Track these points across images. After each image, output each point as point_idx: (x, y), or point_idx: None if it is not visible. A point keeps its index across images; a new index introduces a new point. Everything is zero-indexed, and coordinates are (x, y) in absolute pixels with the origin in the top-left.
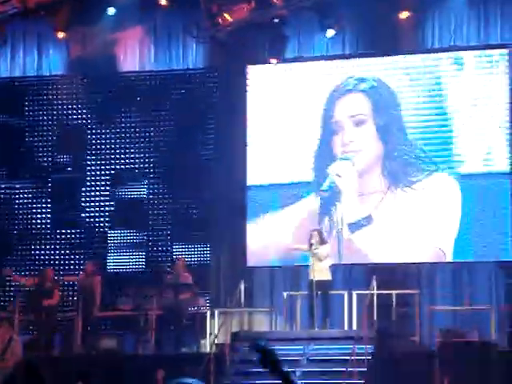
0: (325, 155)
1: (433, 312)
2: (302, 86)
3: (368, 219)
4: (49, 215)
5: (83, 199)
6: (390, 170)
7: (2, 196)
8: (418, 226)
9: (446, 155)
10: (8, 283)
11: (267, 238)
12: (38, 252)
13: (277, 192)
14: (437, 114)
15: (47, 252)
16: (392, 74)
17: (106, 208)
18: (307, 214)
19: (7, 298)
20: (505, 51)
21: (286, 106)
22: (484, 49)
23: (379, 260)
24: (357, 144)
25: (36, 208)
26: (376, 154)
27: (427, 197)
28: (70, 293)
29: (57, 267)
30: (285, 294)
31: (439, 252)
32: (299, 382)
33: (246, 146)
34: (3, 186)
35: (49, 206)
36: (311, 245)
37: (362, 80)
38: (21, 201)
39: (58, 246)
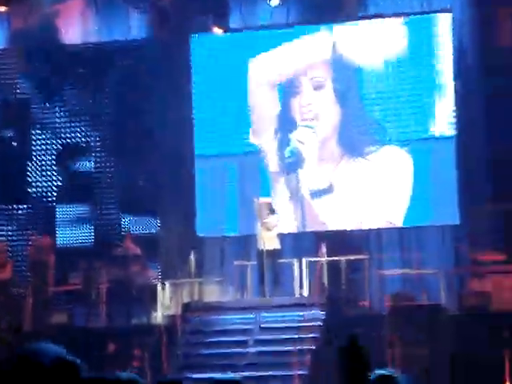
0: (284, 121)
1: (382, 277)
2: (250, 54)
3: (329, 188)
4: None
5: (30, 174)
6: (346, 138)
7: None
8: (370, 197)
9: (396, 121)
10: None
11: (218, 207)
12: None
13: (231, 160)
14: (385, 80)
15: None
16: (344, 41)
17: (54, 183)
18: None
19: None
20: (447, 15)
21: (233, 75)
22: (427, 13)
23: (334, 225)
24: (315, 108)
25: None
26: (334, 120)
27: (380, 168)
28: (24, 268)
29: (5, 243)
30: (235, 263)
31: (389, 224)
32: (252, 350)
33: (192, 116)
34: None
35: None
36: (260, 214)
37: (320, 45)
38: None
39: (5, 222)
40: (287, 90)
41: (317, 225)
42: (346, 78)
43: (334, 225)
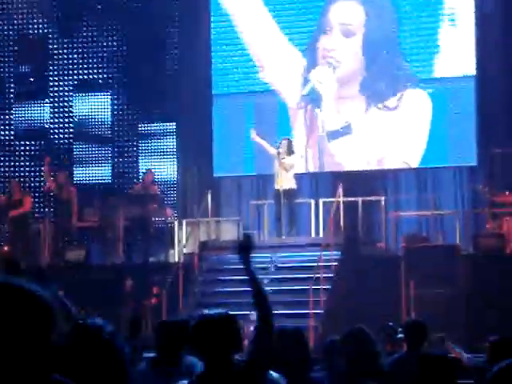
0: (308, 59)
1: (398, 218)
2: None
3: (347, 128)
4: (12, 127)
5: (46, 111)
6: (370, 86)
7: None
8: (388, 138)
9: (416, 61)
10: None
11: (234, 147)
12: (2, 164)
13: (248, 100)
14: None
15: (11, 164)
16: None
17: (71, 120)
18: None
19: None
20: None
21: (254, 15)
22: None
23: (351, 166)
24: (340, 54)
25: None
26: (356, 68)
27: (399, 110)
28: (41, 204)
29: (23, 179)
30: (251, 203)
31: (405, 165)
32: (268, 288)
33: (210, 54)
34: None
35: (12, 117)
36: (279, 153)
37: None
38: None
39: (22, 159)
40: (315, 29)
41: (334, 165)
42: (379, 24)
43: (351, 165)
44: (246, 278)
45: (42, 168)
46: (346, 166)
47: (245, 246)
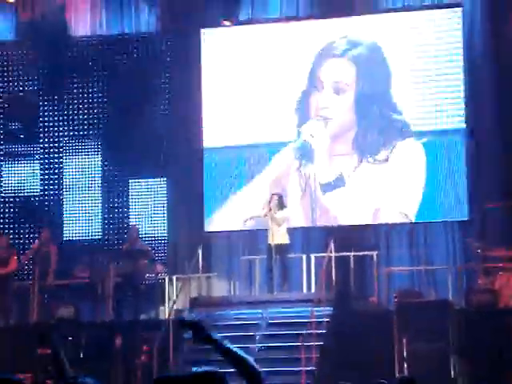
0: (300, 115)
1: (390, 273)
2: (261, 48)
3: (340, 180)
4: (1, 183)
5: (37, 168)
6: (361, 140)
7: None
8: (383, 193)
9: (409, 115)
10: None
11: (226, 201)
12: None
13: (239, 153)
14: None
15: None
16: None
17: (61, 176)
18: (275, 176)
19: None
20: (458, 9)
21: (245, 69)
22: (437, 8)
23: (344, 220)
24: (332, 111)
25: None
26: (348, 124)
27: (393, 164)
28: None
29: (11, 235)
30: (243, 258)
31: (402, 216)
32: (259, 345)
33: (201, 108)
34: None
35: (1, 173)
36: (270, 209)
37: (354, 45)
38: None
39: (11, 215)
40: (307, 85)
41: (326, 219)
42: (370, 79)
43: (343, 219)
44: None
45: (30, 225)
46: (339, 219)
47: (189, 326)
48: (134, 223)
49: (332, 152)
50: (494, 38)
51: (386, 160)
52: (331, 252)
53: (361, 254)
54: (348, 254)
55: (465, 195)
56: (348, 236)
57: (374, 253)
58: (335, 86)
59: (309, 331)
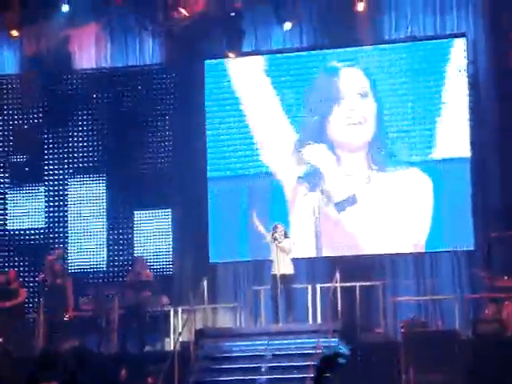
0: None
1: (397, 303)
2: (264, 78)
3: (352, 199)
4: (6, 221)
5: (42, 199)
6: (374, 156)
7: None
8: (391, 221)
9: (408, 142)
10: None
11: (230, 231)
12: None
13: (243, 183)
14: (397, 103)
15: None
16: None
17: (65, 208)
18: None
19: None
20: (462, 40)
21: (248, 98)
22: (441, 38)
23: (349, 250)
24: (360, 114)
25: None
26: (372, 129)
27: (403, 190)
28: (31, 294)
29: (17, 268)
30: (248, 288)
31: (402, 240)
32: (264, 377)
33: (205, 139)
34: None
35: (6, 206)
36: (275, 238)
37: (351, 60)
38: None
39: (16, 248)
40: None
41: (332, 248)
42: (369, 105)
43: (349, 249)
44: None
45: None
46: (345, 249)
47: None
48: (140, 255)
49: (341, 171)
50: (498, 67)
51: (393, 182)
52: (337, 282)
53: (367, 283)
54: (354, 284)
55: (470, 224)
56: (353, 266)
57: (381, 282)
58: (358, 91)
59: (315, 363)
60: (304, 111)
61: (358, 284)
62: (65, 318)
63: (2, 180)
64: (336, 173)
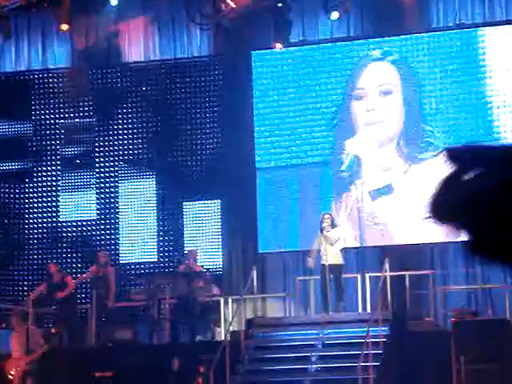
0: (344, 131)
1: (447, 292)
2: (311, 68)
3: (388, 187)
4: (59, 213)
5: (91, 193)
6: (405, 146)
7: (17, 196)
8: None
9: (457, 129)
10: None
11: (279, 221)
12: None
13: (291, 173)
14: (445, 90)
15: (55, 251)
16: (409, 51)
17: (116, 200)
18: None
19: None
20: (510, 27)
21: (295, 90)
22: (491, 25)
23: (396, 238)
24: (380, 114)
25: (44, 207)
26: (397, 127)
27: (437, 172)
28: (84, 284)
29: (69, 260)
30: (297, 278)
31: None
32: (315, 366)
33: (253, 130)
34: (17, 186)
35: (58, 198)
36: (322, 228)
37: (389, 52)
38: (29, 200)
39: (69, 239)
40: (350, 95)
41: (377, 238)
42: (411, 89)
43: (395, 238)
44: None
45: (87, 250)
46: (392, 236)
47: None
48: (191, 248)
49: (380, 161)
50: None
51: (427, 168)
52: (386, 271)
53: (416, 273)
54: (403, 273)
55: None
56: (403, 255)
57: (430, 272)
58: (380, 89)
59: (365, 351)
60: (342, 103)
61: (407, 273)
62: (108, 307)
63: (54, 173)
64: (374, 164)
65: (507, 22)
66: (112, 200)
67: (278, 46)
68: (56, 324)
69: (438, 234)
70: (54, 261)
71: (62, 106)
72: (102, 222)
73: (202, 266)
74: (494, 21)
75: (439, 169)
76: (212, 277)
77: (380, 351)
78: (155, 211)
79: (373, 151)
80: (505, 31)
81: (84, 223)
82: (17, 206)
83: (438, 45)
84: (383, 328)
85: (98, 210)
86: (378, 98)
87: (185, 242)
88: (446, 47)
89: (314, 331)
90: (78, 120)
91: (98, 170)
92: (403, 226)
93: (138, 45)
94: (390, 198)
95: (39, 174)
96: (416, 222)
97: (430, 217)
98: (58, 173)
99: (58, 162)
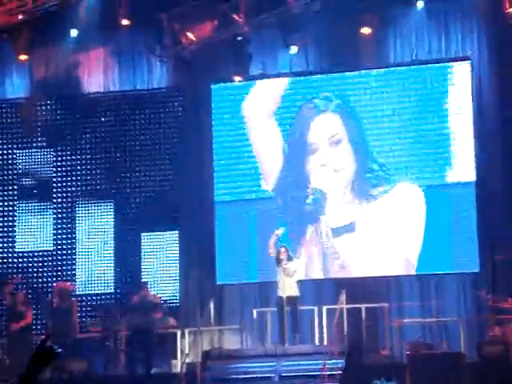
0: (299, 171)
1: (402, 325)
2: (267, 103)
3: (350, 226)
4: (15, 238)
5: (50, 225)
6: (359, 186)
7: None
8: (386, 237)
9: (411, 166)
10: None
11: (237, 254)
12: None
13: (249, 206)
14: (399, 127)
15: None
16: (355, 89)
17: (73, 230)
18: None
19: None
20: (467, 63)
21: (252, 123)
22: (446, 62)
23: (354, 271)
24: (335, 164)
25: (3, 231)
26: (351, 171)
27: (393, 207)
28: (39, 316)
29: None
30: (254, 310)
31: (406, 262)
32: None
33: (213, 163)
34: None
35: (15, 228)
36: (280, 261)
37: (329, 99)
38: None
39: (25, 270)
40: (302, 148)
41: (337, 270)
42: (355, 131)
43: (353, 271)
44: None
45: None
46: (349, 271)
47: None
48: (145, 280)
49: (342, 200)
50: (502, 91)
51: (383, 202)
52: (342, 303)
53: (372, 305)
54: (359, 305)
55: (475, 247)
56: (359, 288)
57: (385, 304)
58: (330, 140)
59: None
60: (291, 144)
61: (363, 306)
62: (68, 341)
63: (10, 202)
64: (338, 201)
65: (463, 59)
66: (69, 231)
67: (237, 78)
68: (9, 353)
69: (394, 265)
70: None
71: (19, 135)
72: (59, 252)
73: (160, 297)
74: (451, 57)
75: (393, 203)
76: (169, 308)
77: None
78: (113, 242)
79: (336, 190)
80: (461, 68)
81: (40, 253)
82: None
83: (390, 81)
84: (339, 361)
85: (54, 240)
86: (330, 150)
87: (142, 272)
88: (399, 84)
89: (271, 363)
90: (34, 150)
91: (55, 201)
92: (361, 259)
93: (97, 75)
94: (351, 235)
95: None
96: (373, 256)
97: None
98: (15, 202)
99: (15, 192)
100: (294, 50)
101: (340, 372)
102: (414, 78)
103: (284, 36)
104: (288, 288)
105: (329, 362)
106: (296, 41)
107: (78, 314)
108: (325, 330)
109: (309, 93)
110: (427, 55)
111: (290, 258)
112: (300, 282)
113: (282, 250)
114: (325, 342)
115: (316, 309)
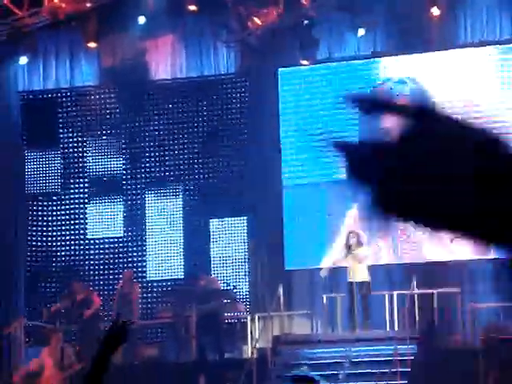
0: None
1: (475, 309)
2: (335, 86)
3: None
4: (86, 225)
5: (121, 212)
6: None
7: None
8: None
9: None
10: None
11: (306, 238)
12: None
13: (319, 190)
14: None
15: (85, 263)
16: (426, 71)
17: (143, 218)
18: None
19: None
20: None
21: (321, 107)
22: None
23: (426, 256)
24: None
25: (75, 219)
26: None
27: None
28: (111, 302)
29: (97, 277)
30: (324, 296)
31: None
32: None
33: (279, 150)
34: (45, 205)
35: (86, 215)
36: (349, 246)
37: (403, 82)
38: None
39: (96, 256)
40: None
41: (408, 256)
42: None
43: (425, 255)
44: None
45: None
46: (421, 255)
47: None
48: (213, 266)
49: None
50: None
51: None
52: (413, 289)
53: (444, 290)
54: (431, 290)
55: None
56: (430, 273)
57: (457, 289)
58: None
59: (393, 370)
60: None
61: (435, 291)
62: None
63: (81, 190)
64: None
65: None
66: (139, 217)
67: (305, 62)
68: (81, 341)
69: (466, 251)
70: (81, 279)
71: (89, 123)
72: (129, 239)
73: (223, 282)
74: None
75: None
76: (238, 294)
77: (408, 369)
78: (182, 228)
79: None
80: None
81: (111, 240)
82: (45, 224)
83: (463, 61)
84: (411, 346)
85: (125, 227)
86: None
87: (211, 259)
88: (473, 64)
89: (342, 349)
90: (104, 138)
91: (125, 188)
92: (432, 243)
93: (165, 62)
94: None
95: (67, 192)
96: (445, 240)
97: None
98: (86, 190)
99: (86, 180)
100: (361, 32)
101: (411, 357)
102: (484, 59)
103: (351, 19)
104: (358, 273)
105: (400, 347)
106: (363, 23)
107: (149, 300)
108: (395, 315)
109: (378, 76)
110: (498, 36)
111: (359, 244)
112: (370, 267)
113: (352, 235)
114: (396, 328)
115: (387, 294)
